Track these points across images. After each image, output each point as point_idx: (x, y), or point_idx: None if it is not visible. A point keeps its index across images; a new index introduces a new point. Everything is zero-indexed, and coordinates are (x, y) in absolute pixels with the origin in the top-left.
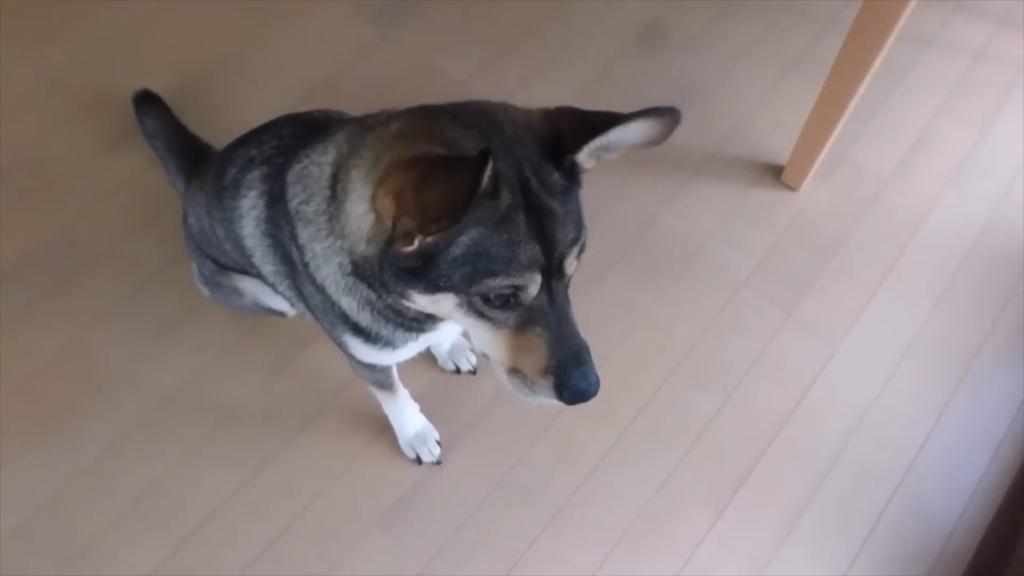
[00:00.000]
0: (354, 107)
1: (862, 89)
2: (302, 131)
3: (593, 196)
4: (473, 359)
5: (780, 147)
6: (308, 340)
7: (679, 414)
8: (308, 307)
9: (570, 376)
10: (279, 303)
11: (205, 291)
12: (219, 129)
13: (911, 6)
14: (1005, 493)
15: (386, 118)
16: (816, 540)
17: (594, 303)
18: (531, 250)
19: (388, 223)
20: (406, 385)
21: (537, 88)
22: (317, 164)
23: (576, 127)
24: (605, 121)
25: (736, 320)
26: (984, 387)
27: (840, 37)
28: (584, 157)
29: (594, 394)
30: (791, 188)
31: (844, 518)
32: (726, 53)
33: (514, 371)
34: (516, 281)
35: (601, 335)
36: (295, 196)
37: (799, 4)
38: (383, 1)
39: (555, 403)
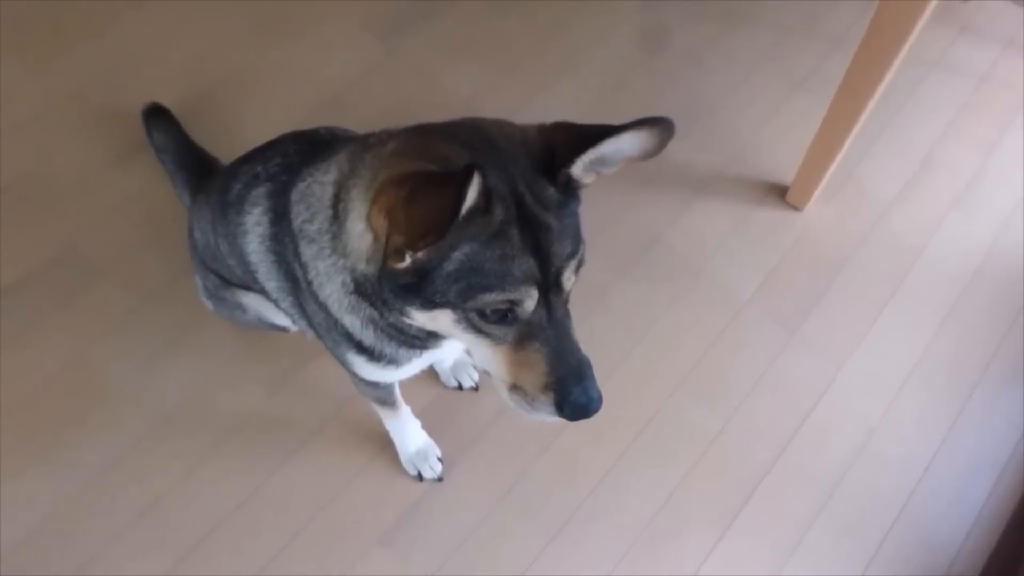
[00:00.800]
0: (361, 123)
1: (869, 108)
2: (307, 149)
3: (597, 213)
4: (475, 375)
5: (785, 166)
6: (310, 355)
7: (682, 432)
8: (311, 324)
9: (571, 392)
10: (282, 319)
11: (209, 305)
12: (226, 144)
13: (921, 23)
14: (1010, 517)
15: (386, 137)
16: (820, 561)
17: (597, 319)
18: (525, 264)
19: (383, 240)
20: (408, 401)
21: (542, 104)
22: (320, 183)
23: (569, 140)
24: (597, 133)
25: (739, 339)
26: (989, 410)
27: (847, 55)
28: (580, 171)
29: (596, 410)
30: (796, 208)
31: (848, 540)
32: (732, 70)
33: (515, 388)
34: (511, 296)
35: (603, 351)
36: (299, 215)
37: (806, 21)
38: (391, 17)
39: (556, 420)
